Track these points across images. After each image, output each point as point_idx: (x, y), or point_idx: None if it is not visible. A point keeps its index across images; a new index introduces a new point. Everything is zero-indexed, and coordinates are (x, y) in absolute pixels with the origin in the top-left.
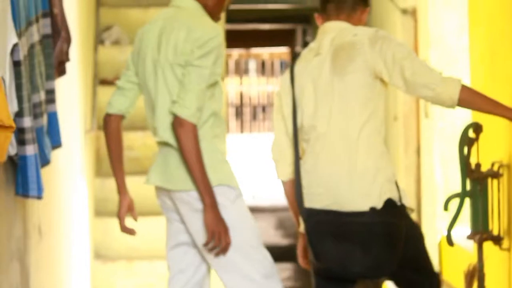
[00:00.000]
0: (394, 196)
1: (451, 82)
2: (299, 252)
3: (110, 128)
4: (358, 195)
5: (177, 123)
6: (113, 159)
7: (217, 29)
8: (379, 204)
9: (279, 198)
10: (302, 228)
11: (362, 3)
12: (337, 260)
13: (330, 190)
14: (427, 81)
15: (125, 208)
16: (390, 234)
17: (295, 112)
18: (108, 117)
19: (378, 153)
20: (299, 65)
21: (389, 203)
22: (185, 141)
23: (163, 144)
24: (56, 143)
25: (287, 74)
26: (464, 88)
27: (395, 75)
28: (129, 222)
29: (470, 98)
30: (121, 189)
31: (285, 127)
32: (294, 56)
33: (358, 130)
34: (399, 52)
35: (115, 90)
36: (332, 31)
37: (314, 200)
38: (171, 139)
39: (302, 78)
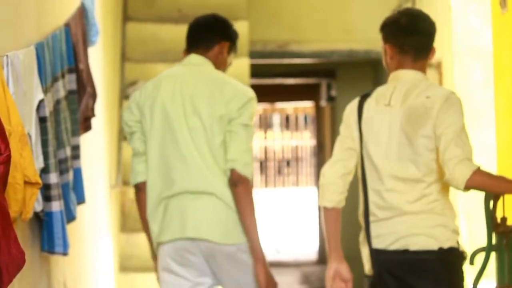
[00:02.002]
0: None
1: (464, 167)
2: None
3: (143, 195)
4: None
5: (239, 180)
6: (147, 225)
7: (253, 92)
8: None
9: (303, 252)
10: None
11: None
12: None
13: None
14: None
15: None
16: None
17: (361, 150)
18: (142, 185)
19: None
20: (369, 107)
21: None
22: (247, 198)
23: (191, 195)
24: (80, 199)
25: (354, 109)
26: (475, 174)
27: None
28: (151, 278)
29: (479, 184)
30: (153, 252)
31: (347, 159)
32: (364, 95)
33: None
34: (456, 124)
35: (136, 158)
36: (406, 83)
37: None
38: (211, 190)
39: (371, 123)
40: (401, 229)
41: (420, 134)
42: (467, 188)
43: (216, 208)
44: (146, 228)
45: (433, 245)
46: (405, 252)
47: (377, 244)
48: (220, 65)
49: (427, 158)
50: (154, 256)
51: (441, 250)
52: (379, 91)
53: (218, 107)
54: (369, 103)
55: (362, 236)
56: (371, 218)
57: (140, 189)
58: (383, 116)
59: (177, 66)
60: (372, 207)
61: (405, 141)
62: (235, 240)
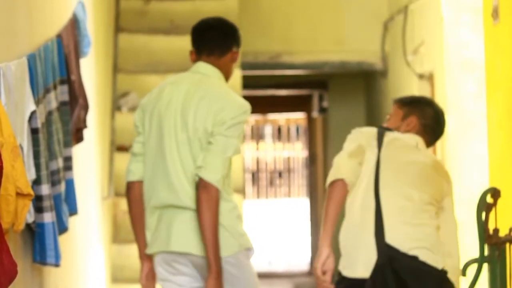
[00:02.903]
0: None
1: None
2: None
3: (134, 194)
4: None
5: (202, 186)
6: (136, 225)
7: (248, 105)
8: None
9: (295, 263)
10: None
11: None
12: None
13: None
14: None
15: (145, 274)
16: None
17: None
18: (131, 184)
19: None
20: (392, 140)
21: None
22: (206, 204)
23: (176, 209)
24: (72, 211)
25: (373, 133)
26: None
27: None
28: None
29: None
30: (143, 255)
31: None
32: (382, 130)
33: None
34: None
35: (131, 157)
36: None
37: None
38: (193, 205)
39: (396, 153)
40: None
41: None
42: None
43: (190, 221)
44: (135, 226)
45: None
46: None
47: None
48: (229, 73)
49: None
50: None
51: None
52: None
53: (206, 122)
54: (388, 141)
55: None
56: None
57: (129, 187)
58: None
59: (185, 73)
60: None
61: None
62: (220, 254)
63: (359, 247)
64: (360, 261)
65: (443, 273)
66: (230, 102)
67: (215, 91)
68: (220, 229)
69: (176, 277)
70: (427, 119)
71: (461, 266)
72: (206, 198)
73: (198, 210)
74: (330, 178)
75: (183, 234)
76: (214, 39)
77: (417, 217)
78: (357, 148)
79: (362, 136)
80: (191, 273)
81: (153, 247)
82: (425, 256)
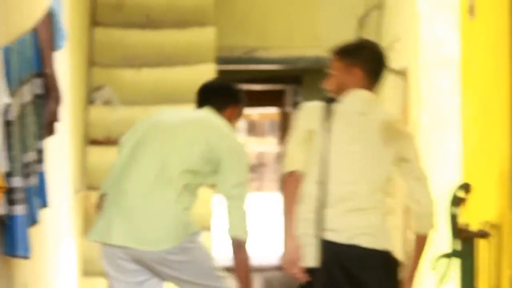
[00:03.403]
0: None
1: None
2: None
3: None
4: None
5: (237, 246)
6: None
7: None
8: None
9: (266, 257)
10: None
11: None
12: None
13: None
14: None
15: None
16: None
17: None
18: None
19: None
20: (340, 115)
21: None
22: (244, 261)
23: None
24: (43, 203)
25: (319, 111)
26: None
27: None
28: None
29: None
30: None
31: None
32: (329, 99)
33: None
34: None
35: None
36: (366, 99)
37: None
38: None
39: (345, 130)
40: None
41: (391, 145)
42: None
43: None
44: None
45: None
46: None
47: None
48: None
49: None
50: None
51: None
52: (346, 102)
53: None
54: (339, 114)
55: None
56: None
57: None
58: (360, 124)
59: (191, 109)
60: None
61: (384, 148)
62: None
63: (308, 240)
64: (309, 254)
65: (386, 253)
66: (242, 152)
67: (221, 136)
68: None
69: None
70: (370, 63)
71: (435, 211)
72: (243, 256)
73: (237, 266)
74: (284, 169)
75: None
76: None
77: (365, 202)
78: (306, 134)
79: (310, 118)
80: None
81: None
82: (365, 242)
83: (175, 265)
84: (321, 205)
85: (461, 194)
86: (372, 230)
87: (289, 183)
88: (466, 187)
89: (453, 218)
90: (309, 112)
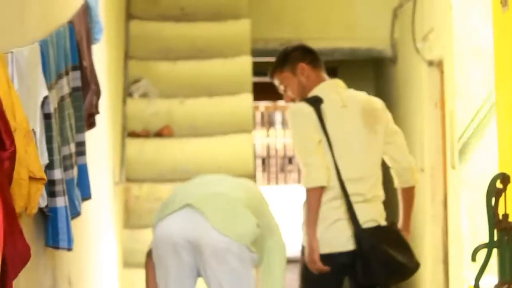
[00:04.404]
0: None
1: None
2: None
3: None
4: None
5: None
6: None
7: None
8: None
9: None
10: None
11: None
12: None
13: None
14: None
15: None
16: None
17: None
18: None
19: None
20: (328, 111)
21: None
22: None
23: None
24: (86, 195)
25: (313, 114)
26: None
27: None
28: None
29: None
30: None
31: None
32: (313, 100)
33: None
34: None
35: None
36: (340, 88)
37: None
38: None
39: (336, 123)
40: None
41: (376, 129)
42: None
43: None
44: None
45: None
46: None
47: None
48: None
49: None
50: None
51: None
52: (327, 98)
53: None
54: (326, 109)
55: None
56: None
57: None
58: (345, 116)
59: None
60: None
61: (368, 133)
62: None
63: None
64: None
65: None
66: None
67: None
68: None
69: None
70: (302, 55)
71: (413, 166)
72: None
73: None
74: (310, 183)
75: None
76: None
77: (373, 190)
78: (316, 143)
79: (312, 125)
80: None
81: None
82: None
83: (229, 264)
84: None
85: (499, 184)
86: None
87: (316, 197)
88: (504, 178)
89: (492, 208)
90: (308, 119)
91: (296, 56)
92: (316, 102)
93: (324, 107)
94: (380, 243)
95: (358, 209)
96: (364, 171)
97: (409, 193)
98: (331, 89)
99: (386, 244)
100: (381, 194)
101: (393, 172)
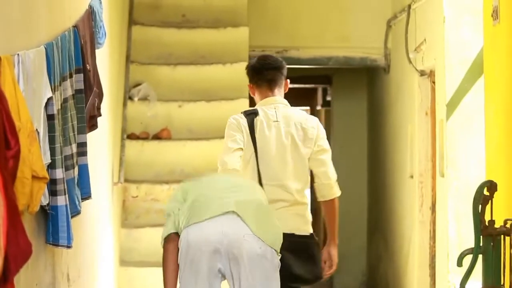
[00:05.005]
0: None
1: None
2: None
3: (174, 247)
4: None
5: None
6: (173, 273)
7: None
8: None
9: None
10: None
11: (284, 77)
12: None
13: None
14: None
15: None
16: None
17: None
18: (174, 235)
19: None
20: (259, 123)
21: None
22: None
23: None
24: (86, 195)
25: (245, 124)
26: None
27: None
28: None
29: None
30: None
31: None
32: (250, 113)
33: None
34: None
35: (168, 218)
36: (279, 105)
37: None
38: None
39: (264, 134)
40: None
41: (304, 145)
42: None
43: None
44: (169, 282)
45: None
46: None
47: None
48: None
49: None
50: None
51: None
52: (262, 110)
53: None
54: (259, 120)
55: None
56: None
57: (172, 240)
58: (275, 129)
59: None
60: None
61: (294, 148)
62: None
63: None
64: None
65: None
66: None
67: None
68: None
69: None
70: (249, 79)
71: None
72: None
73: None
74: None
75: None
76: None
77: (294, 198)
78: (236, 148)
79: (238, 132)
80: None
81: None
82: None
83: (263, 269)
84: None
85: (486, 192)
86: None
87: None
88: (491, 185)
89: (478, 215)
90: (238, 127)
91: (248, 75)
92: (251, 115)
93: (257, 119)
94: (282, 249)
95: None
96: (285, 180)
97: (329, 205)
98: (270, 105)
99: (289, 252)
100: (303, 201)
101: (315, 186)
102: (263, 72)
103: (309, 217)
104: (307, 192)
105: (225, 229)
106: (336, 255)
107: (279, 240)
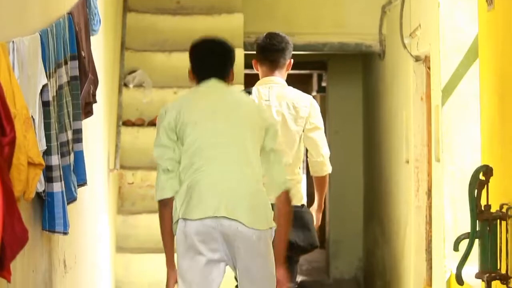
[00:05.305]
0: None
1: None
2: None
3: (169, 208)
4: None
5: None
6: (169, 236)
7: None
8: None
9: None
10: None
11: (288, 57)
12: None
13: None
14: None
15: (173, 280)
16: None
17: None
18: (167, 200)
19: None
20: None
21: None
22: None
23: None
24: (82, 181)
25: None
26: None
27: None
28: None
29: None
30: (171, 263)
31: None
32: (245, 92)
33: None
34: None
35: (163, 174)
36: (273, 84)
37: None
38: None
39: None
40: None
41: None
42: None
43: None
44: (167, 244)
45: None
46: None
47: None
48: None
49: None
50: None
51: None
52: (258, 90)
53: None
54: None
55: None
56: None
57: (165, 203)
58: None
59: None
60: None
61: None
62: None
63: None
64: None
65: None
66: (264, 112)
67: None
68: None
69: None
70: (256, 55)
71: (324, 158)
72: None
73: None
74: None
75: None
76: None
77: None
78: None
79: None
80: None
81: None
82: None
83: (258, 250)
84: None
85: (482, 176)
86: None
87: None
88: (486, 170)
89: (474, 200)
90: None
91: (255, 50)
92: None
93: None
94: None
95: None
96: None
97: (320, 180)
98: (265, 85)
99: None
100: (295, 178)
101: (308, 162)
102: (266, 53)
103: (301, 192)
104: (301, 170)
105: (220, 223)
106: (319, 218)
107: (271, 213)
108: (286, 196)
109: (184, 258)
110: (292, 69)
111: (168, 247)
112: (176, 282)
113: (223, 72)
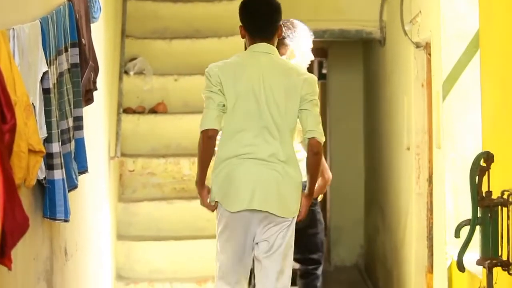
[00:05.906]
0: None
1: None
2: None
3: (213, 140)
4: None
5: (319, 147)
6: (205, 164)
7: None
8: None
9: None
10: None
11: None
12: None
13: None
14: None
15: (205, 195)
16: None
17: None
18: (213, 132)
19: None
20: None
21: None
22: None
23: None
24: (83, 168)
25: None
26: None
27: None
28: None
29: None
30: (202, 183)
31: None
32: None
33: None
34: None
35: (213, 110)
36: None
37: None
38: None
39: None
40: None
41: None
42: None
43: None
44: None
45: None
46: None
47: None
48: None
49: None
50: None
51: None
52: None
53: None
54: None
55: None
56: None
57: (213, 135)
58: None
59: (254, 53)
60: None
61: None
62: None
63: None
64: None
65: None
66: (308, 76)
67: (290, 67)
68: None
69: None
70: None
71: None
72: (321, 156)
73: (316, 164)
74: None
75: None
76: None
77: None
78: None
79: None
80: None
81: None
82: None
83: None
84: None
85: (483, 163)
86: None
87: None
88: (487, 156)
89: (475, 186)
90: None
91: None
92: None
93: None
94: None
95: None
96: None
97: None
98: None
99: None
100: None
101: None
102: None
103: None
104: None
105: (253, 214)
106: (306, 205)
107: (297, 207)
108: (313, 144)
109: (223, 232)
110: None
111: (201, 170)
112: (209, 193)
113: (271, 29)
